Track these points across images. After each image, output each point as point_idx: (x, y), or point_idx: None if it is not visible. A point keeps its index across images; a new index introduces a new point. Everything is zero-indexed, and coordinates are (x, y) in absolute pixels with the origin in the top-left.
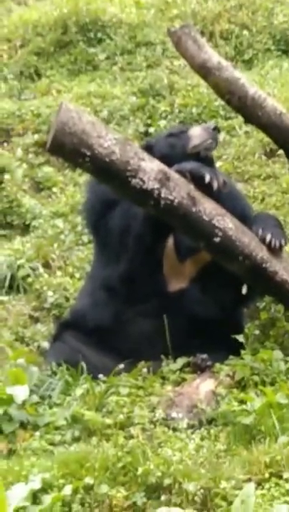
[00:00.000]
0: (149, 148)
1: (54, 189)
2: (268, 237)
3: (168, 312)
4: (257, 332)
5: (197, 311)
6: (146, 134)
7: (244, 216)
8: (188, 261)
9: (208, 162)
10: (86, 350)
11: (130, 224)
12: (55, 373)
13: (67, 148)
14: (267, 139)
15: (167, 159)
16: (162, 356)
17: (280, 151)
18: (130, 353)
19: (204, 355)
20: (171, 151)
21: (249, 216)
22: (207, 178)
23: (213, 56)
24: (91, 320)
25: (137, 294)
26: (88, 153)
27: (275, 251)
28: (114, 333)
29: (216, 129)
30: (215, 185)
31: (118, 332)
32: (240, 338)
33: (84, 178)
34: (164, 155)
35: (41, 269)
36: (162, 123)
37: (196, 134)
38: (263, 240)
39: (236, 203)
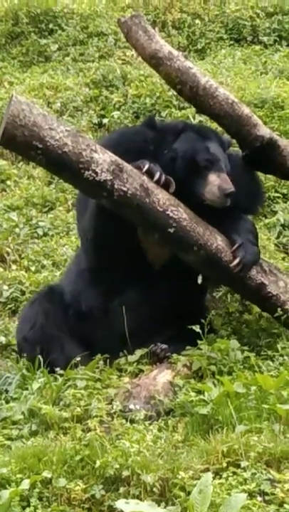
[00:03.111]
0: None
1: (8, 182)
2: (236, 262)
3: (149, 295)
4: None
5: (177, 286)
6: (100, 125)
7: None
8: None
9: None
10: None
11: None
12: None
13: (18, 141)
14: (220, 129)
15: (179, 177)
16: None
17: (234, 141)
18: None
19: (164, 346)
20: (185, 176)
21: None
22: (156, 177)
23: (163, 46)
24: (84, 302)
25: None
26: (40, 146)
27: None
28: (99, 320)
29: (230, 195)
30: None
31: (101, 319)
32: (197, 328)
33: (38, 171)
34: (179, 169)
35: None
36: (116, 114)
37: (213, 189)
38: (233, 256)
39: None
